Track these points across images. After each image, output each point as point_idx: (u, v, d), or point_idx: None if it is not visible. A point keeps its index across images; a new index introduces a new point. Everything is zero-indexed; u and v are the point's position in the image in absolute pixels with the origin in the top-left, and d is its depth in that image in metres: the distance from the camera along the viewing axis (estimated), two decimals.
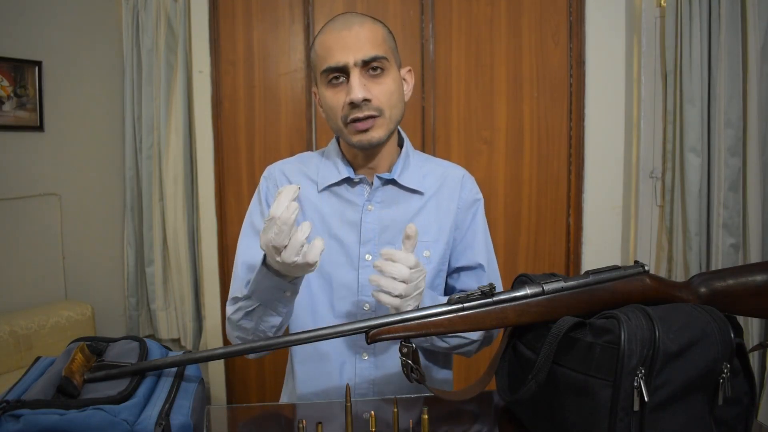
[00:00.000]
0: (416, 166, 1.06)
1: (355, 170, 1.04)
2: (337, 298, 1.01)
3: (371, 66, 0.94)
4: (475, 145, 2.19)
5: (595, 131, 2.14)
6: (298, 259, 0.79)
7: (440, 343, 0.98)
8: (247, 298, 0.92)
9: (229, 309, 0.97)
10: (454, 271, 1.10)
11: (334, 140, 1.08)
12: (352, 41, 0.93)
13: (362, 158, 1.02)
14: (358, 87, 0.92)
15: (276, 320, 0.92)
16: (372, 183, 1.03)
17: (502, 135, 2.18)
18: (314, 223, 1.02)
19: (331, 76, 0.95)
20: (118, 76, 2.84)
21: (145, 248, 2.88)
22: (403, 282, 0.83)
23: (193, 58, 2.35)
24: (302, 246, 0.79)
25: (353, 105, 0.93)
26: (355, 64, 0.93)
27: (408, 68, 1.05)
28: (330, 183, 1.03)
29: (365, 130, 0.95)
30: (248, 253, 1.02)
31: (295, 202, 0.79)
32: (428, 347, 1.00)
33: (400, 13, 2.16)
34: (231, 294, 1.03)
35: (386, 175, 1.02)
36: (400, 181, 1.03)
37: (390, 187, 1.03)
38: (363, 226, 1.01)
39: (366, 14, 0.99)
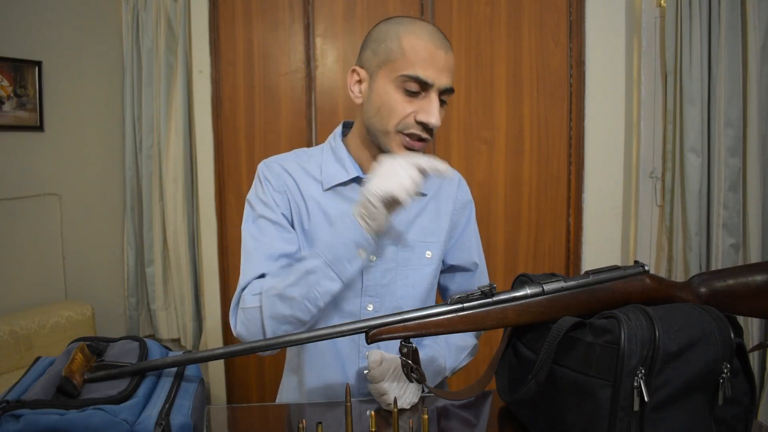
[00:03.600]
0: None
1: (361, 169, 1.03)
2: (340, 298, 1.00)
3: (442, 98, 0.94)
4: (475, 145, 2.19)
5: (595, 131, 2.14)
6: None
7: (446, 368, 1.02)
8: (313, 255, 0.89)
9: (270, 282, 0.92)
10: (448, 269, 1.13)
11: (338, 138, 1.05)
12: (444, 65, 0.93)
13: (374, 158, 1.01)
14: (439, 114, 0.92)
15: (335, 286, 0.88)
16: None
17: (502, 135, 2.18)
18: (319, 222, 1.01)
19: (411, 85, 0.92)
20: (118, 76, 2.84)
21: (145, 248, 2.88)
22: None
23: (193, 58, 2.35)
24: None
25: (424, 127, 0.93)
26: (438, 89, 0.93)
27: None
28: (337, 182, 1.01)
29: (414, 150, 0.95)
30: (273, 245, 0.97)
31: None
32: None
33: (400, 13, 2.16)
34: (255, 273, 0.96)
35: None
36: None
37: None
38: None
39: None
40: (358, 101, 0.99)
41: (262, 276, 0.96)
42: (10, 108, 2.42)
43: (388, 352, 1.02)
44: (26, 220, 2.49)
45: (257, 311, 0.91)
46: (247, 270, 0.97)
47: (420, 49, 0.92)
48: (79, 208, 2.70)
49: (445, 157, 2.15)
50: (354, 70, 0.99)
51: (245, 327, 0.93)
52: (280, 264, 0.96)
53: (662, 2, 2.21)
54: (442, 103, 0.95)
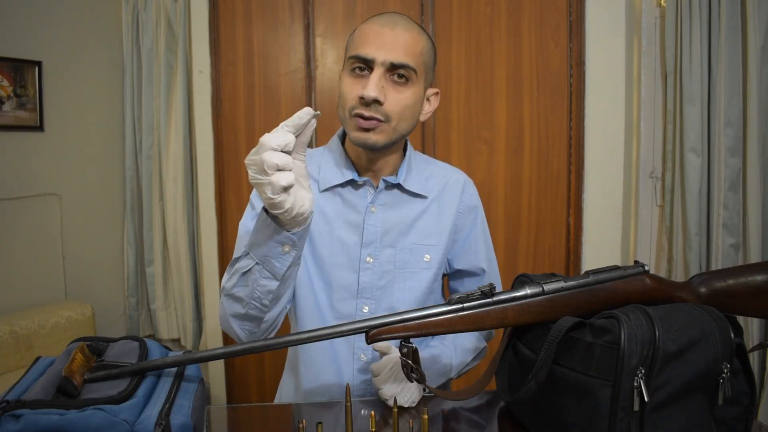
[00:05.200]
0: (419, 170, 1.06)
1: (358, 172, 1.03)
2: (336, 300, 1.01)
3: (397, 72, 0.93)
4: (475, 145, 2.19)
5: (595, 131, 2.13)
6: (276, 198, 0.72)
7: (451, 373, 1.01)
8: (245, 255, 0.85)
9: (225, 278, 0.91)
10: (455, 273, 1.12)
11: (337, 139, 1.06)
12: (390, 41, 0.92)
13: (366, 160, 1.01)
14: (374, 86, 0.91)
15: (272, 284, 0.84)
16: (377, 186, 1.02)
17: (502, 135, 2.18)
18: (317, 222, 1.01)
19: (355, 64, 0.94)
20: (118, 76, 2.84)
21: (145, 248, 2.88)
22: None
23: (193, 58, 2.34)
24: (280, 191, 0.72)
25: (363, 101, 0.92)
26: (382, 64, 0.92)
27: (436, 91, 1.04)
28: (333, 184, 1.02)
29: (366, 130, 0.93)
30: (249, 225, 0.97)
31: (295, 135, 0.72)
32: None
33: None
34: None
35: (392, 179, 1.02)
36: (405, 186, 1.02)
37: (394, 190, 1.03)
38: (365, 228, 1.01)
39: (417, 23, 0.98)
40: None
41: None
42: (10, 108, 2.42)
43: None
44: (26, 220, 2.49)
45: (224, 308, 0.92)
46: (236, 249, 0.98)
47: (363, 31, 0.95)
48: (79, 208, 2.70)
49: (445, 157, 2.15)
50: (340, 76, 1.02)
51: (221, 320, 0.95)
52: None
53: (662, 2, 2.21)
54: (401, 78, 0.93)
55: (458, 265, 1.09)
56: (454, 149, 2.19)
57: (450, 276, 1.13)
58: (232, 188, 2.30)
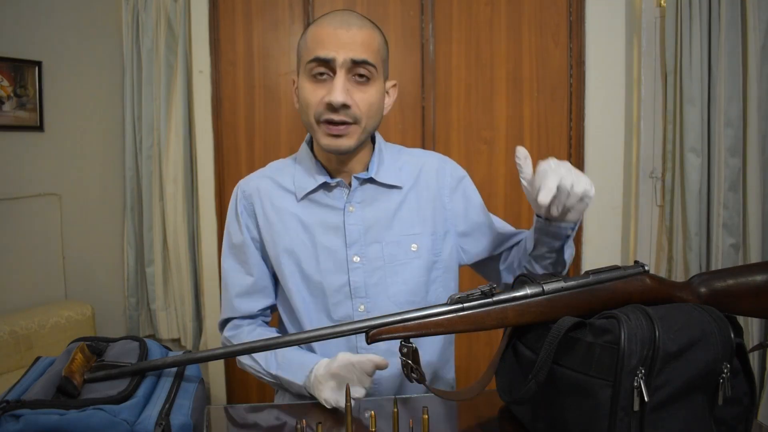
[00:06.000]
0: (391, 160, 1.05)
1: (330, 174, 1.03)
2: (332, 304, 1.01)
3: (358, 72, 0.93)
4: (475, 145, 2.19)
5: (595, 131, 2.13)
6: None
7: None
8: (270, 375, 1.00)
9: (247, 360, 1.06)
10: (483, 261, 1.13)
11: (305, 145, 1.06)
12: (347, 40, 0.92)
13: (336, 162, 1.01)
14: (341, 90, 0.91)
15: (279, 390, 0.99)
16: (350, 184, 1.02)
17: (502, 135, 2.18)
18: (297, 234, 1.02)
19: (315, 69, 0.93)
20: (118, 77, 2.84)
21: (145, 248, 2.88)
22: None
23: (193, 58, 2.35)
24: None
25: (331, 107, 0.92)
26: (344, 63, 0.92)
27: (394, 83, 1.04)
28: (307, 191, 1.02)
29: (337, 136, 0.94)
30: (236, 280, 1.06)
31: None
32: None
33: (400, 13, 2.16)
34: (224, 315, 1.08)
35: (363, 175, 1.02)
36: (378, 179, 1.02)
37: (368, 185, 1.03)
38: (347, 228, 1.01)
39: (366, 17, 0.98)
40: (297, 107, 1.01)
41: (239, 317, 1.08)
42: (10, 108, 2.42)
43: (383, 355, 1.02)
44: (26, 220, 2.49)
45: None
46: (225, 304, 1.08)
47: (317, 33, 0.94)
48: (79, 208, 2.70)
49: None
50: (293, 81, 1.02)
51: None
52: (252, 299, 1.06)
53: (662, 2, 2.21)
54: (362, 78, 0.94)
55: (480, 254, 1.10)
56: (454, 149, 2.19)
57: (474, 266, 1.14)
58: (232, 188, 2.27)
